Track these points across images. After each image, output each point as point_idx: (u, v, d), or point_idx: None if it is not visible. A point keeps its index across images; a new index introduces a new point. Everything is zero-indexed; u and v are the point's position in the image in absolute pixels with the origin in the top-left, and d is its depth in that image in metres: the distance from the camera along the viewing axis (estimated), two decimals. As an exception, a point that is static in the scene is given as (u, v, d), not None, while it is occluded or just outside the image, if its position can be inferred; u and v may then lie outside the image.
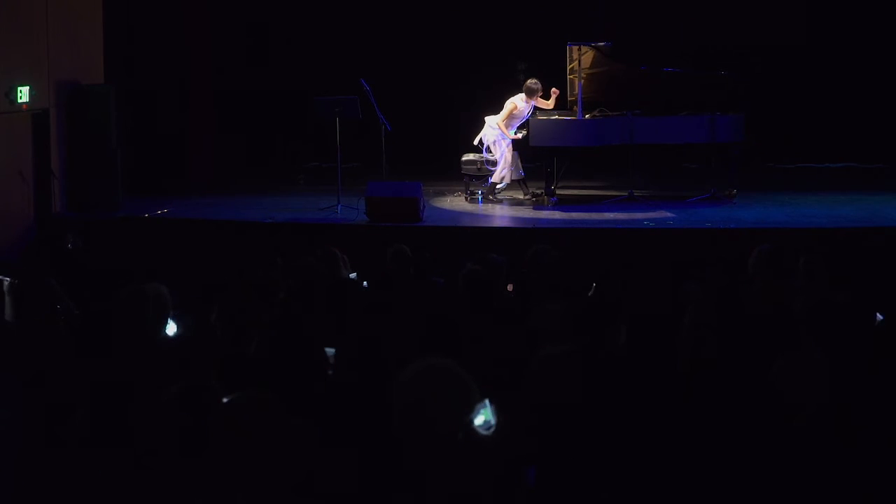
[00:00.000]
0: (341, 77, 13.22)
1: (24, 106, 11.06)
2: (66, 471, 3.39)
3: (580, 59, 11.55)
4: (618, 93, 11.65)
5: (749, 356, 4.38)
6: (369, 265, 7.60)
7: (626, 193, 11.74)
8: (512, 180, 11.84)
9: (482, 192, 11.98)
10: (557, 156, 11.60)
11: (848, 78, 14.38)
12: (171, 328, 5.21)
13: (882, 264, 8.43)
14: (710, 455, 3.68)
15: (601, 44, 11.66)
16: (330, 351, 4.64)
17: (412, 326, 5.25)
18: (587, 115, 11.56)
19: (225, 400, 3.25)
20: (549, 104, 11.80)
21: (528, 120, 11.64)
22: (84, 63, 12.06)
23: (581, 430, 3.59)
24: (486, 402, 3.43)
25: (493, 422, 3.52)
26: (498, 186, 11.90)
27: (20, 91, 10.93)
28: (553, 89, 11.74)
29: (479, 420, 3.40)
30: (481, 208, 11.80)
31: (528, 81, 11.68)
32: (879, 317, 5.24)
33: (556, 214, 11.24)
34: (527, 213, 11.41)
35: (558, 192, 11.71)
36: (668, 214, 11.05)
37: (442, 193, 12.47)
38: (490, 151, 11.81)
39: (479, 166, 11.91)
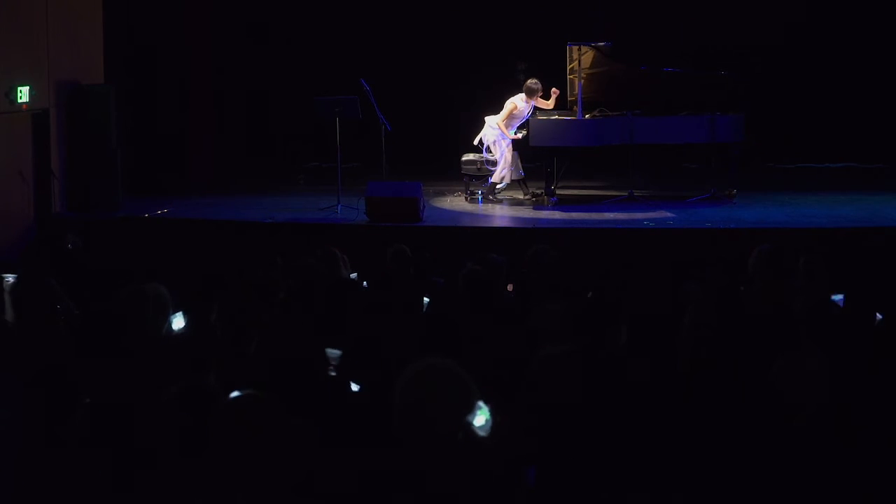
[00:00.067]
0: (341, 77, 13.22)
1: (24, 106, 11.05)
2: (66, 471, 3.39)
3: (580, 59, 11.55)
4: (618, 93, 11.65)
5: (749, 356, 4.38)
6: (369, 265, 7.60)
7: (626, 193, 11.74)
8: (512, 180, 11.84)
9: (482, 192, 11.98)
10: (557, 156, 11.59)
11: (848, 78, 14.38)
12: (179, 322, 5.22)
13: (882, 264, 8.43)
14: (710, 455, 3.69)
15: (601, 44, 11.65)
16: (335, 353, 4.64)
17: (412, 326, 5.25)
18: (587, 115, 11.56)
19: (225, 400, 3.25)
20: (549, 104, 11.80)
21: (528, 120, 11.64)
22: (84, 63, 12.06)
23: (581, 430, 3.59)
24: (484, 402, 3.43)
25: (492, 422, 3.53)
26: (498, 186, 11.90)
27: (20, 91, 10.93)
28: (553, 89, 11.74)
29: (478, 420, 3.40)
30: (481, 208, 11.80)
31: (528, 81, 11.68)
32: (879, 316, 5.25)
33: (556, 214, 11.23)
34: (527, 213, 11.41)
35: (558, 192, 11.71)
36: (668, 214, 11.05)
37: (442, 193, 12.47)
38: (490, 151, 11.81)
39: (479, 166, 11.91)
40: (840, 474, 3.56)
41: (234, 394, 3.24)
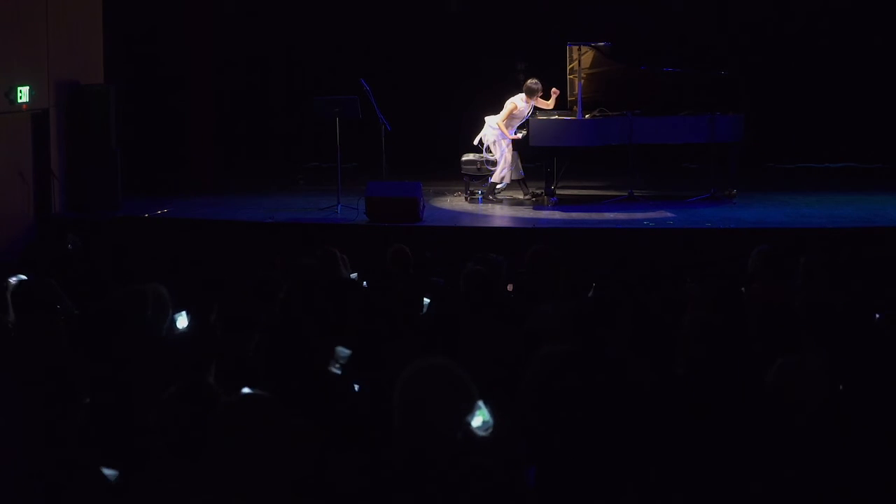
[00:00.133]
0: (341, 77, 13.22)
1: (24, 106, 11.05)
2: (66, 471, 3.39)
3: (580, 59, 11.55)
4: (618, 93, 11.65)
5: (749, 356, 4.38)
6: (369, 265, 7.60)
7: (626, 193, 11.74)
8: (512, 180, 11.84)
9: (482, 192, 11.98)
10: (557, 156, 11.60)
11: (847, 78, 14.37)
12: (183, 321, 5.22)
13: (882, 264, 8.43)
14: (710, 455, 3.69)
15: (601, 44, 11.66)
16: (345, 352, 4.64)
17: (412, 326, 5.26)
18: (587, 115, 11.56)
19: (225, 400, 3.25)
20: (549, 104, 11.80)
21: (528, 120, 11.64)
22: (84, 63, 12.05)
23: (581, 430, 3.59)
24: (483, 402, 3.43)
25: (491, 422, 3.53)
26: (498, 186, 11.91)
27: (20, 91, 10.92)
28: (553, 89, 11.74)
29: (477, 421, 3.40)
30: (481, 208, 11.80)
31: (528, 81, 11.68)
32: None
33: (556, 214, 11.23)
34: (527, 213, 11.41)
35: (558, 192, 11.71)
36: (668, 214, 11.05)
37: (442, 193, 12.47)
38: (490, 151, 11.81)
39: (479, 166, 11.91)
40: (840, 474, 3.56)
41: (234, 394, 3.24)
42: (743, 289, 6.26)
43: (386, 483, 3.14)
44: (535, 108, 11.72)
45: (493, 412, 3.55)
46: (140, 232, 10.82)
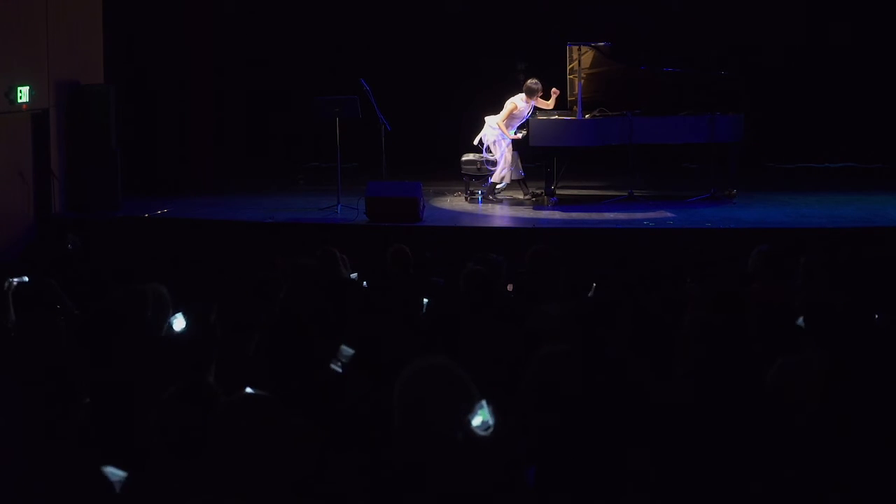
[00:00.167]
0: (341, 77, 13.22)
1: (24, 106, 11.05)
2: (66, 471, 3.39)
3: (580, 59, 11.55)
4: (618, 93, 11.65)
5: (749, 356, 4.38)
6: (369, 265, 7.60)
7: (626, 193, 11.74)
8: (512, 180, 11.84)
9: (482, 192, 11.98)
10: (557, 156, 11.60)
11: (847, 78, 14.38)
12: (180, 323, 5.21)
13: (882, 264, 8.43)
14: (710, 455, 3.68)
15: (601, 44, 11.66)
16: (349, 351, 4.64)
17: (412, 326, 5.26)
18: (587, 115, 11.56)
19: (225, 400, 3.25)
20: (549, 104, 11.80)
21: (528, 120, 11.64)
22: (84, 63, 12.06)
23: (581, 430, 3.59)
24: (484, 402, 3.43)
25: (491, 422, 3.52)
26: (498, 186, 11.91)
27: (20, 91, 10.92)
28: (553, 89, 11.74)
29: (477, 421, 3.40)
30: (481, 208, 11.80)
31: (528, 81, 11.68)
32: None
33: (556, 214, 11.24)
34: (527, 213, 11.41)
35: (558, 192, 11.71)
36: (668, 214, 11.05)
37: (442, 193, 12.47)
38: (490, 151, 11.81)
39: (479, 166, 11.92)
40: (840, 474, 3.56)
41: (234, 394, 3.24)
42: (743, 289, 6.26)
43: (386, 483, 3.14)
44: (535, 108, 11.72)
45: (493, 412, 3.55)
46: (140, 232, 10.83)
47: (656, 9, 14.68)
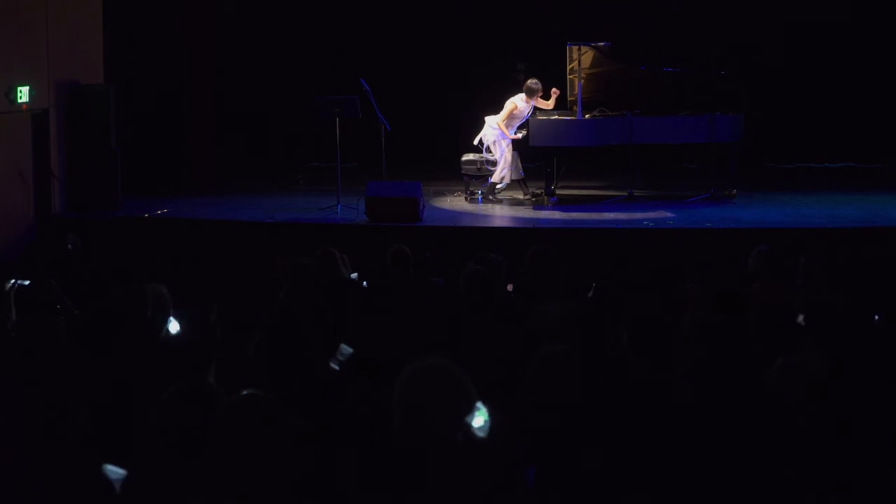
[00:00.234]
0: (341, 77, 13.22)
1: (24, 106, 11.05)
2: (66, 471, 3.39)
3: (580, 59, 11.55)
4: (618, 93, 11.65)
5: (749, 356, 4.38)
6: (369, 265, 7.60)
7: (626, 193, 11.74)
8: (512, 180, 11.84)
9: (482, 192, 11.98)
10: (557, 156, 11.60)
11: (847, 77, 14.37)
12: (174, 326, 5.21)
13: (882, 264, 8.43)
14: (710, 455, 3.68)
15: (601, 44, 11.66)
16: (347, 350, 4.63)
17: (412, 326, 5.25)
18: (587, 115, 11.56)
19: (225, 400, 3.25)
20: (549, 104, 11.80)
21: (528, 120, 11.64)
22: (84, 63, 12.06)
23: (581, 430, 3.59)
24: (482, 403, 3.43)
25: (491, 422, 3.52)
26: (498, 186, 11.91)
27: (20, 91, 10.93)
28: (553, 89, 11.74)
29: (477, 421, 3.40)
30: (481, 208, 11.80)
31: (528, 81, 11.68)
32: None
33: (556, 214, 11.23)
34: (527, 213, 11.41)
35: (558, 192, 11.71)
36: (668, 214, 11.05)
37: (442, 193, 12.47)
38: (490, 151, 11.81)
39: (479, 166, 11.91)
40: (840, 474, 3.56)
41: (234, 394, 3.24)
42: (743, 289, 6.26)
43: (386, 483, 3.14)
44: (535, 108, 11.72)
45: (492, 412, 3.55)
46: (140, 232, 10.83)
47: (656, 9, 14.68)
